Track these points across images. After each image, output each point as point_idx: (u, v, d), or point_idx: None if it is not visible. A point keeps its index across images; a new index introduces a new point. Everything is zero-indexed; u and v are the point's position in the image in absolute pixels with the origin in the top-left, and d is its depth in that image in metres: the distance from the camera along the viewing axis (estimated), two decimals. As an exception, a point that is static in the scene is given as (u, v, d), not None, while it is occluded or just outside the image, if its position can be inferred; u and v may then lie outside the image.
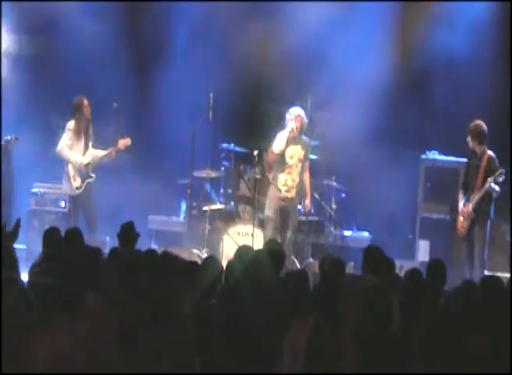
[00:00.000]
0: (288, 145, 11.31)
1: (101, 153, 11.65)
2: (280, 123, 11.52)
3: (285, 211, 11.36)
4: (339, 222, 12.72)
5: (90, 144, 11.73)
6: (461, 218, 11.27)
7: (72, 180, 11.66)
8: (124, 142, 11.66)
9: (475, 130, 11.23)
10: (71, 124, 11.49)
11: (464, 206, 11.25)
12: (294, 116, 11.26)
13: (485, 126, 11.31)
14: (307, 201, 11.64)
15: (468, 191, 11.34)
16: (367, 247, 8.54)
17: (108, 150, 11.69)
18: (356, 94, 13.15)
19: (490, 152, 11.20)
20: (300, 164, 11.39)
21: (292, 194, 11.34)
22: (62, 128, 11.90)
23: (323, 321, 5.20)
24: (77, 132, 11.54)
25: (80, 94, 11.91)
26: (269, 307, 6.22)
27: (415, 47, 13.98)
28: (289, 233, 11.37)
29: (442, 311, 6.23)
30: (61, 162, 11.93)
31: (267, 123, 12.63)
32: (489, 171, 11.10)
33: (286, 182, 11.35)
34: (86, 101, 11.77)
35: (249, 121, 12.37)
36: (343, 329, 5.12)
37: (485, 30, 13.67)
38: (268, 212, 11.41)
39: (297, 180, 11.35)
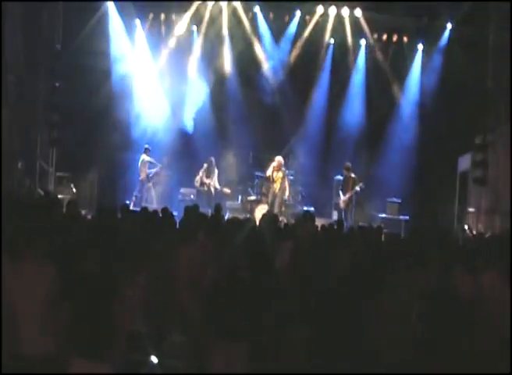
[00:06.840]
0: (275, 172, 13.72)
1: (212, 184, 14.05)
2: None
3: (275, 199, 14.00)
4: (302, 204, 15.06)
5: (213, 176, 14.44)
6: (342, 204, 14.16)
7: (196, 183, 14.47)
8: (226, 191, 14.46)
9: (346, 167, 14.13)
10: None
11: (343, 198, 14.08)
12: (274, 161, 13.91)
13: (347, 164, 13.86)
14: (287, 192, 14.05)
15: (344, 192, 14.05)
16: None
17: (215, 187, 14.10)
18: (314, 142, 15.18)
19: (353, 175, 14.10)
20: (280, 180, 13.93)
21: (277, 191, 13.98)
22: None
23: (296, 244, 5.56)
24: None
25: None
26: (271, 238, 6.60)
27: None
28: (277, 209, 13.79)
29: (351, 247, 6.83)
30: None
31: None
32: (353, 183, 13.93)
33: (275, 187, 13.92)
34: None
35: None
36: (304, 249, 5.41)
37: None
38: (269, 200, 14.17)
39: (279, 186, 13.92)
